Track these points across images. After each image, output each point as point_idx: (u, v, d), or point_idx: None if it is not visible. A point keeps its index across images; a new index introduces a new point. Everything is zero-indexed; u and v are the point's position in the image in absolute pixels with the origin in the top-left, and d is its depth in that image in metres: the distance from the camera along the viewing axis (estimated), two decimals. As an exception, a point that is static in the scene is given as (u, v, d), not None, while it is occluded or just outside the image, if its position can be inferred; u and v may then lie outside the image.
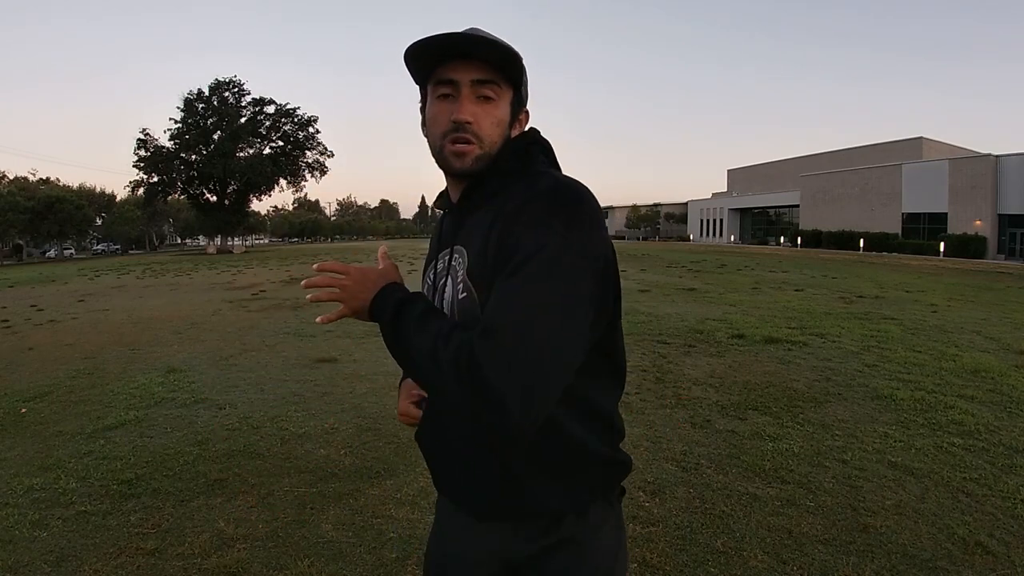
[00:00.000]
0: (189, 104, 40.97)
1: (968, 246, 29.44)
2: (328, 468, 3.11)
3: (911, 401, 4.13)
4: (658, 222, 66.70)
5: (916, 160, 36.27)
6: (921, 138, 40.81)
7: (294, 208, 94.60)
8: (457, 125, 0.86)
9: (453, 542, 0.98)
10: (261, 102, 42.72)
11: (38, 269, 27.57)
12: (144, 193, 41.43)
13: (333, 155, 45.55)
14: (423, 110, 0.94)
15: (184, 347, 6.46)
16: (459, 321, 0.84)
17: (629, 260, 21.92)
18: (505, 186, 0.87)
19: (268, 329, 7.51)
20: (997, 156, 30.47)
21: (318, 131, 44.45)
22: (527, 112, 0.97)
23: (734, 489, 2.82)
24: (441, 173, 0.95)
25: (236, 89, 42.16)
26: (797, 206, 44.26)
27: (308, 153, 44.61)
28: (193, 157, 41.02)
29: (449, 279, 0.90)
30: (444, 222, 1.02)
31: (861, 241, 34.82)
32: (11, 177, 51.74)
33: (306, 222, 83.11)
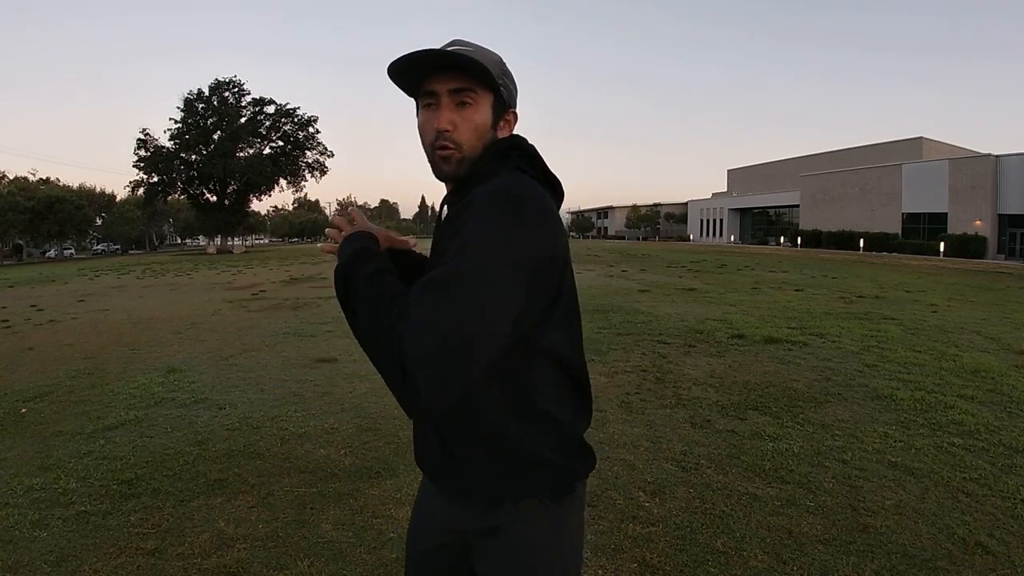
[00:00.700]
0: (189, 104, 40.98)
1: (968, 246, 29.45)
2: (328, 468, 3.11)
3: (911, 401, 4.13)
4: (658, 222, 66.69)
5: (916, 160, 36.28)
6: (921, 138, 40.82)
7: (294, 208, 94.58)
8: (438, 133, 0.93)
9: (421, 509, 1.09)
10: (261, 102, 42.74)
11: (38, 269, 27.57)
12: (144, 193, 41.44)
13: (333, 155, 45.62)
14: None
15: (184, 347, 6.46)
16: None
17: (629, 260, 21.92)
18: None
19: (268, 329, 7.51)
20: (997, 156, 30.47)
21: (318, 131, 44.55)
22: (514, 112, 1.02)
23: (734, 489, 2.82)
24: None
25: (236, 89, 42.19)
26: (797, 206, 44.27)
27: (308, 153, 44.65)
28: (193, 157, 41.03)
29: None
30: (438, 223, 1.06)
31: (861, 241, 34.83)
32: (11, 177, 51.73)
33: (306, 222, 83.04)
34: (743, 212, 53.17)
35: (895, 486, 2.84)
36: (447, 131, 0.93)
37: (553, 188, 0.98)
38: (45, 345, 6.84)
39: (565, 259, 0.90)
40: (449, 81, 0.92)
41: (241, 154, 41.57)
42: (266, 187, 43.42)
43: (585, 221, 78.78)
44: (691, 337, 6.56)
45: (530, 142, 0.99)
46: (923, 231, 33.56)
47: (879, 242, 33.97)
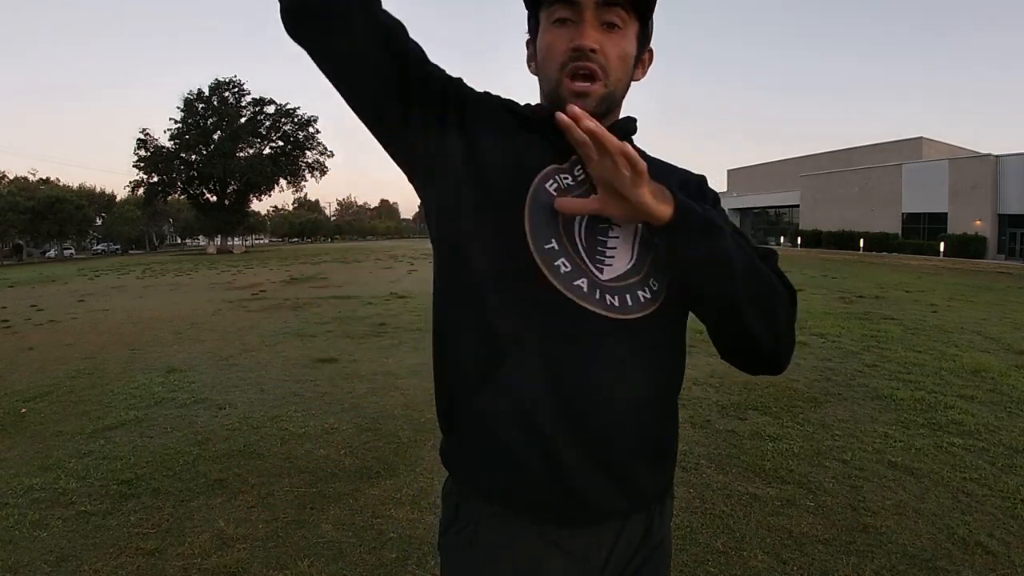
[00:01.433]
0: (189, 104, 40.96)
1: (968, 246, 29.43)
2: (328, 468, 3.11)
3: (911, 401, 4.14)
4: (658, 222, 66.58)
5: (916, 160, 36.24)
6: (921, 138, 40.78)
7: (294, 208, 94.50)
8: (579, 53, 0.73)
9: None
10: (261, 102, 42.71)
11: (38, 269, 27.58)
12: (144, 193, 41.42)
13: (333, 155, 45.62)
14: (531, 44, 0.83)
15: (184, 347, 6.46)
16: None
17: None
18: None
19: (268, 329, 7.51)
20: (997, 156, 30.45)
21: (318, 131, 44.57)
22: (651, 51, 0.84)
23: (734, 489, 2.82)
24: None
25: (236, 89, 42.15)
26: (797, 206, 44.23)
27: (308, 153, 44.62)
28: (193, 157, 41.00)
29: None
30: (531, 138, 0.79)
31: (861, 241, 34.81)
32: (11, 177, 51.83)
33: (306, 222, 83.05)
34: (743, 212, 53.12)
35: (895, 486, 2.84)
36: (593, 50, 0.72)
37: None
38: (45, 345, 6.84)
39: None
40: None
41: (241, 154, 41.53)
42: (266, 187, 43.42)
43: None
44: (691, 337, 6.51)
45: None
46: (923, 231, 33.54)
47: (879, 242, 33.95)
